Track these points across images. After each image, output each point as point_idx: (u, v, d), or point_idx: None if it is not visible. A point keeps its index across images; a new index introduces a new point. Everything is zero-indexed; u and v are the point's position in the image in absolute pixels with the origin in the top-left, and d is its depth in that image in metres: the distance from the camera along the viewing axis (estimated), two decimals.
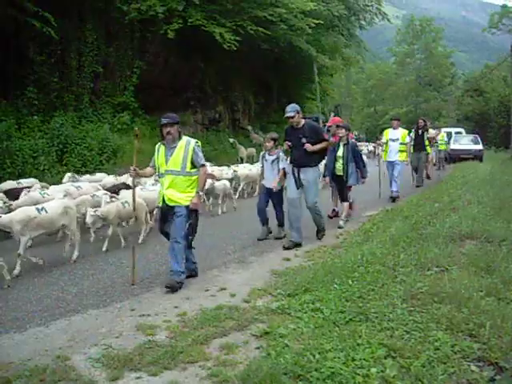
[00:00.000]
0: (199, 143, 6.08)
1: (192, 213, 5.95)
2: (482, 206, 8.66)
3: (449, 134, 28.41)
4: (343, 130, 9.38)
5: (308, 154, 7.77)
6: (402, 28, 71.92)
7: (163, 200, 6.01)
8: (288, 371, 3.33)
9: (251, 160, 20.98)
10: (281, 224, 8.65)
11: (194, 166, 5.93)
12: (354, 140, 10.33)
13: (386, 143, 13.05)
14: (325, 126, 11.11)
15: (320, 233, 8.46)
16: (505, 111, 42.96)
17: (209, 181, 9.97)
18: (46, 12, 14.49)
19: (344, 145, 9.40)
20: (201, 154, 5.99)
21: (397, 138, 12.91)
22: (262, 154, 8.94)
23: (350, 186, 9.72)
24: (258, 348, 3.97)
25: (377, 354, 3.46)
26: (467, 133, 34.12)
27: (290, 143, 8.00)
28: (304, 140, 7.76)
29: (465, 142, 27.97)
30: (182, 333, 4.35)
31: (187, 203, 5.86)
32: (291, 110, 7.78)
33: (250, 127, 25.31)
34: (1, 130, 13.60)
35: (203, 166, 6.00)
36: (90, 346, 4.18)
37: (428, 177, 17.99)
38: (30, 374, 3.64)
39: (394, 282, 4.98)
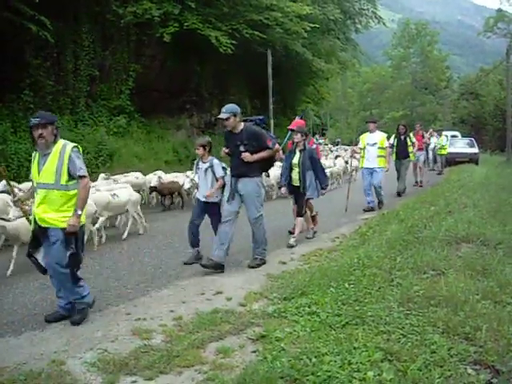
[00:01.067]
0: (79, 148, 4.93)
1: (71, 237, 4.75)
2: (477, 209, 8.68)
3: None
4: (298, 135, 8.39)
5: (247, 163, 6.74)
6: (398, 32, 72.24)
7: (35, 220, 4.89)
8: (284, 375, 3.31)
9: None
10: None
11: (72, 177, 4.77)
12: (316, 145, 9.68)
13: (364, 149, 12.06)
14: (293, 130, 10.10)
15: (257, 256, 7.08)
16: (500, 114, 43.20)
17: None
18: (42, 15, 14.47)
19: (300, 151, 8.38)
20: (79, 162, 4.79)
21: (375, 143, 11.87)
22: (195, 161, 7.81)
23: (308, 199, 8.56)
24: (254, 352, 3.95)
25: (373, 358, 3.45)
26: (463, 136, 34.24)
27: (227, 150, 7.02)
28: (242, 148, 6.72)
29: (460, 145, 28.05)
30: (178, 337, 4.33)
31: (64, 225, 4.71)
32: (226, 110, 6.80)
33: None
34: None
35: (82, 177, 4.78)
36: (85, 350, 4.16)
37: (420, 184, 17.32)
38: (24, 379, 3.61)
39: (390, 286, 4.98)
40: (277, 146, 7.09)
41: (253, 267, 6.80)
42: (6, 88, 15.38)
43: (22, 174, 13.54)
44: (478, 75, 56.93)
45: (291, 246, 8.11)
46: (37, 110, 15.89)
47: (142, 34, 19.82)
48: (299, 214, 8.47)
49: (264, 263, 6.97)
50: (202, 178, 7.38)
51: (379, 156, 11.81)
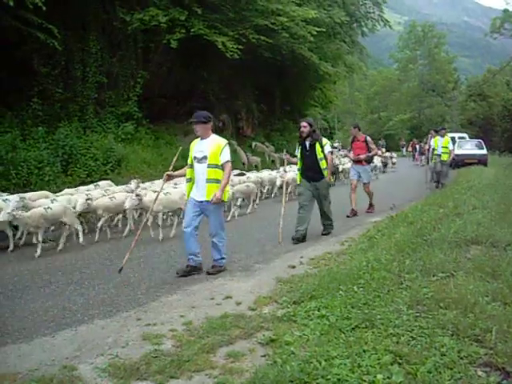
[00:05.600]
0: None
1: None
2: (486, 211, 8.65)
3: (452, 139, 28.29)
4: None
5: None
6: (404, 34, 72.20)
7: None
8: (294, 379, 3.32)
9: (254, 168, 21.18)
10: None
11: None
12: None
13: (191, 168, 7.01)
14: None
15: None
16: (508, 115, 43.02)
17: None
18: (50, 24, 14.57)
19: None
20: None
21: (204, 156, 6.77)
22: None
23: None
24: (264, 356, 3.97)
25: (383, 361, 3.45)
26: (471, 138, 34.20)
27: None
28: None
29: (469, 146, 28.04)
30: (188, 342, 4.35)
31: None
32: None
33: (254, 143, 25.28)
34: (6, 142, 13.67)
35: None
36: (96, 355, 4.18)
37: (370, 205, 12.22)
38: None
39: (399, 288, 4.97)
40: None
41: None
42: (15, 96, 15.50)
43: (32, 181, 13.63)
44: (486, 76, 56.82)
45: None
46: (45, 117, 16.10)
47: (149, 40, 19.89)
48: None
49: None
50: None
51: (210, 181, 6.74)
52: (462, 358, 3.45)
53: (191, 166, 7.00)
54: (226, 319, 4.82)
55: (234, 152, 22.63)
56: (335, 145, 40.70)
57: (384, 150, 38.76)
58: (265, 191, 15.70)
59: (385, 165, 27.39)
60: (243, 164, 21.72)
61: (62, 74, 17.06)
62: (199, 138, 7.00)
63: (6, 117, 15.15)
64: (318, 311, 4.66)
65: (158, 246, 8.85)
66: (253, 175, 14.58)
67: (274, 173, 15.76)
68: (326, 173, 9.07)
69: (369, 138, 12.31)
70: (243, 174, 14.49)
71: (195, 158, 6.90)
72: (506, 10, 56.88)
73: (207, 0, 19.80)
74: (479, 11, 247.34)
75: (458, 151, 26.34)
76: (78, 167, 15.56)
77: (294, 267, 7.02)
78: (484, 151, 27.32)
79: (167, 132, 22.10)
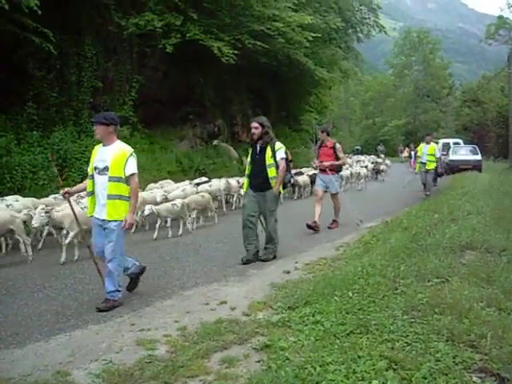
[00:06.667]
0: None
1: None
2: (481, 217, 8.66)
3: (447, 145, 28.40)
4: None
5: None
6: (400, 40, 72.64)
7: None
8: None
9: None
10: None
11: None
12: None
13: (92, 179, 5.89)
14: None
15: None
16: (503, 121, 43.22)
17: None
18: (45, 28, 14.56)
19: None
20: None
21: (105, 167, 5.72)
22: None
23: None
24: (258, 361, 3.95)
25: (378, 366, 3.44)
26: (466, 143, 34.33)
27: None
28: None
29: (464, 152, 28.16)
30: (183, 347, 4.33)
31: None
32: None
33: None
34: (0, 146, 13.63)
35: None
36: (90, 361, 4.16)
37: (334, 221, 10.91)
38: None
39: (394, 294, 4.96)
40: None
41: None
42: (10, 100, 15.46)
43: (27, 185, 13.59)
44: (480, 82, 57.15)
45: None
46: (40, 121, 16.06)
47: (145, 45, 19.89)
48: None
49: None
50: None
51: (111, 197, 5.70)
52: (457, 364, 3.44)
53: (92, 177, 5.91)
54: (220, 324, 4.80)
55: (225, 152, 22.71)
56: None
57: (383, 155, 38.70)
58: (234, 199, 14.88)
59: (377, 172, 25.95)
60: (237, 162, 21.87)
61: (57, 78, 17.03)
62: (101, 144, 5.96)
63: (1, 121, 15.11)
64: (313, 317, 4.64)
65: (151, 251, 8.82)
66: (215, 182, 13.87)
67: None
68: (273, 182, 7.78)
69: (338, 145, 10.95)
70: (208, 181, 14.24)
71: (96, 168, 5.85)
72: (500, 17, 57.44)
73: (203, 5, 19.84)
74: (474, 17, 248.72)
75: (452, 157, 26.49)
76: (72, 171, 15.50)
77: (288, 272, 7.01)
78: (478, 157, 27.43)
79: (162, 137, 22.07)
